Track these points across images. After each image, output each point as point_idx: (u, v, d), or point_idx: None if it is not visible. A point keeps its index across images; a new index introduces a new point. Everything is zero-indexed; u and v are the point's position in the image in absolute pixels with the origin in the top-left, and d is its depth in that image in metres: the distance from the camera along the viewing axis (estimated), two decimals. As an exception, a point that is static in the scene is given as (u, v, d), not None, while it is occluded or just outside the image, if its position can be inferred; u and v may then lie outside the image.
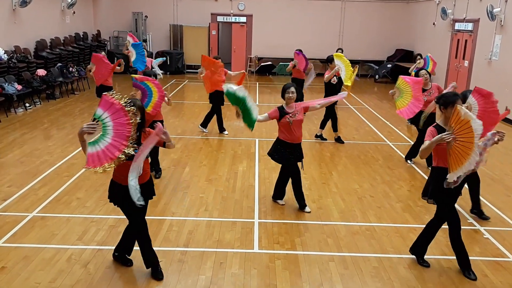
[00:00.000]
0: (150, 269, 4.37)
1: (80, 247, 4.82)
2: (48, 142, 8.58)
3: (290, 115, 5.58)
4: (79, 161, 7.51)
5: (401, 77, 6.97)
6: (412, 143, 8.27)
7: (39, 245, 4.84)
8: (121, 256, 4.52)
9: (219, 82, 8.97)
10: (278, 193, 6.12)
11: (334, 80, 8.79)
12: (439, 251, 4.99)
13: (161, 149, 6.71)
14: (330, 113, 9.01)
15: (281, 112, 5.60)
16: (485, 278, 4.50)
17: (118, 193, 4.07)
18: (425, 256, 4.76)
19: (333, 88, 8.77)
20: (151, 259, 4.32)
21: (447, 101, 4.29)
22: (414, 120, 7.59)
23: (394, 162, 8.01)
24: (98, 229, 5.22)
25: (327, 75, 8.69)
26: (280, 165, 6.01)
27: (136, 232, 4.27)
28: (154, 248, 4.77)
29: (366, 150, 8.65)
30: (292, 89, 5.56)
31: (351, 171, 7.48)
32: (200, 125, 9.62)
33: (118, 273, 4.37)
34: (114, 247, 4.80)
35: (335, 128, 9.08)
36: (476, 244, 5.16)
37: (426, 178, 7.21)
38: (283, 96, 5.63)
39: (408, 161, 7.92)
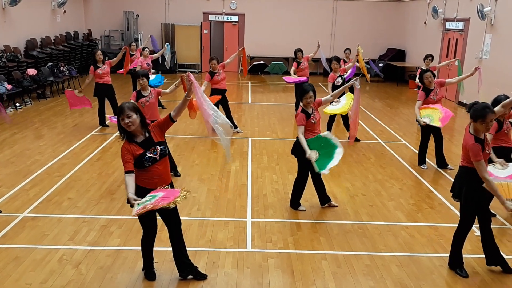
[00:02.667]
0: (139, 269, 4.37)
1: (71, 248, 4.79)
2: (39, 142, 8.51)
3: (312, 116, 5.57)
4: (70, 161, 7.47)
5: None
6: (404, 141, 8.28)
7: (30, 245, 4.80)
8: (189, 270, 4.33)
9: (221, 80, 9.11)
10: (297, 199, 5.95)
11: (338, 82, 8.89)
12: (431, 249, 5.02)
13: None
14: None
15: (307, 116, 5.55)
16: (476, 276, 4.53)
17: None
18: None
19: (338, 89, 8.93)
20: (148, 262, 4.31)
21: (477, 114, 4.14)
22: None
23: (386, 160, 8.05)
24: (90, 229, 5.19)
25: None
26: (297, 169, 5.89)
27: (147, 235, 4.21)
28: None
29: (358, 149, 8.68)
30: (311, 93, 5.50)
31: (343, 170, 7.50)
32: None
33: (110, 274, 4.35)
34: (106, 248, 4.78)
35: (347, 127, 9.28)
36: (467, 242, 5.16)
37: (417, 176, 7.27)
38: (302, 100, 5.54)
39: (422, 166, 7.68)
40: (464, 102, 12.83)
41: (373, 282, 4.36)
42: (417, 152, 7.81)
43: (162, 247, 4.79)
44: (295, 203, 5.93)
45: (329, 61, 9.15)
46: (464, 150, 4.33)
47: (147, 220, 4.11)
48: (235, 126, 9.56)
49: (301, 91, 5.57)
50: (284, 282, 4.33)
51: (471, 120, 4.24)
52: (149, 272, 4.30)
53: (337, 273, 4.49)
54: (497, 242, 5.11)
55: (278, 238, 5.16)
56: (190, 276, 4.30)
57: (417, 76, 9.82)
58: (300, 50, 11.22)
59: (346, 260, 4.74)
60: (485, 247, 4.56)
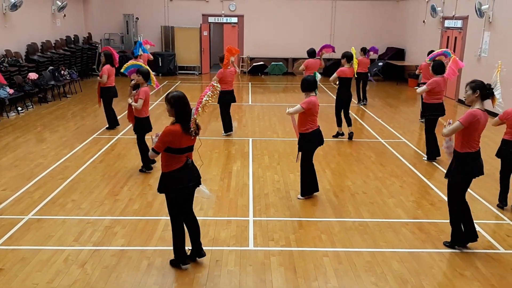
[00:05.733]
0: (144, 268, 4.43)
1: (76, 248, 4.85)
2: (41, 145, 8.58)
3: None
4: (73, 163, 7.53)
5: None
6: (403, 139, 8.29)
7: (35, 246, 4.87)
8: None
9: (230, 82, 9.10)
10: (307, 186, 6.28)
11: None
12: (431, 244, 5.08)
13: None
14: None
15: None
16: (476, 270, 4.58)
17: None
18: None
19: (346, 81, 9.07)
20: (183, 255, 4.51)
21: None
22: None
23: (386, 158, 8.10)
24: (94, 230, 5.26)
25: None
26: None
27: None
28: (151, 248, 4.85)
29: (358, 148, 8.74)
30: None
31: (344, 169, 7.57)
32: (224, 132, 9.45)
33: (115, 273, 4.42)
34: (110, 248, 4.84)
35: (348, 122, 9.32)
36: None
37: (417, 173, 7.33)
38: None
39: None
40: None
41: (374, 278, 4.42)
42: (417, 150, 7.86)
43: (166, 247, 4.85)
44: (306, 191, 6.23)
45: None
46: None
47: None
48: (229, 130, 9.44)
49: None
50: (287, 279, 4.39)
51: None
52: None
53: (338, 270, 4.55)
54: (497, 238, 5.20)
55: (280, 236, 5.22)
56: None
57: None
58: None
59: (347, 256, 4.80)
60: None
